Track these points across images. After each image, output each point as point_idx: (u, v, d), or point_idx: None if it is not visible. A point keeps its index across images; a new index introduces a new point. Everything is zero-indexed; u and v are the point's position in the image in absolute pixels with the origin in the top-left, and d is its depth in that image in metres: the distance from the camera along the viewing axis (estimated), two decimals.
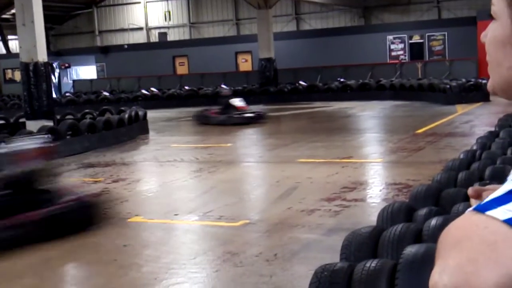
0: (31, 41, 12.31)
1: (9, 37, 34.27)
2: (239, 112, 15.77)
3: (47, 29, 16.00)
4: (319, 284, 3.25)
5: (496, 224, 0.59)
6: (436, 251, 0.63)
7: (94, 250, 5.72)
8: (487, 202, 0.62)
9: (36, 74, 12.37)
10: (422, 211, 4.33)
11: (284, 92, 22.83)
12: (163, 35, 32.51)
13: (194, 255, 5.33)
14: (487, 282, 0.57)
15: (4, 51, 34.45)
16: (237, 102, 16.12)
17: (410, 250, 3.30)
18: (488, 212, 0.60)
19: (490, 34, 0.72)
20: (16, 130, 11.93)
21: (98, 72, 32.69)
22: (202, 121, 16.05)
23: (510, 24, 0.67)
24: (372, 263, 3.28)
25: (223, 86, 21.18)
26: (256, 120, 15.54)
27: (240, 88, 23.87)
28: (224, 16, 31.82)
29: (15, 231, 5.73)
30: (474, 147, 7.08)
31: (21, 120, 13.62)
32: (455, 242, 0.60)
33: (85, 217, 6.24)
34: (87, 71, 33.25)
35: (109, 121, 13.14)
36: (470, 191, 0.83)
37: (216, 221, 6.35)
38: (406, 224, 3.94)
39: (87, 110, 15.69)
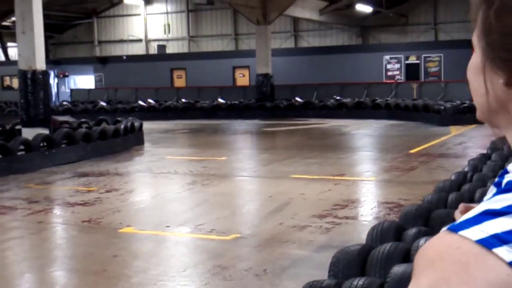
0: (30, 49, 12.36)
1: (9, 44, 34.35)
2: None
3: (46, 38, 16.06)
4: None
5: (469, 244, 0.59)
6: (412, 270, 0.63)
7: (84, 259, 5.72)
8: (461, 222, 0.62)
9: (34, 82, 12.41)
10: (412, 231, 4.35)
11: (280, 108, 22.93)
12: (162, 48, 32.64)
13: (184, 268, 5.34)
14: None
15: (3, 58, 34.51)
16: None
17: (398, 269, 3.34)
18: (461, 232, 0.60)
19: (469, 63, 0.76)
20: (12, 137, 11.94)
21: (96, 82, 32.75)
22: None
23: (481, 56, 0.73)
24: (359, 281, 3.31)
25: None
26: None
27: (236, 102, 23.99)
28: (223, 31, 32.00)
29: None
30: (466, 169, 7.12)
31: (17, 127, 13.62)
32: (428, 262, 0.60)
33: None
34: (85, 81, 33.30)
35: (105, 131, 13.16)
36: (461, 207, 0.83)
37: (208, 234, 6.35)
38: (395, 243, 3.96)
39: (83, 120, 15.72)
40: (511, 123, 0.71)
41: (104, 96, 29.14)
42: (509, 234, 0.59)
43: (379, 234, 4.48)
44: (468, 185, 5.85)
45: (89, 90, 31.42)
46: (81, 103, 26.49)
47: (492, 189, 0.68)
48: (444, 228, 0.63)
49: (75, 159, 11.76)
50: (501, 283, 0.58)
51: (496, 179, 0.69)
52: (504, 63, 0.69)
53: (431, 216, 4.86)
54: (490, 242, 0.59)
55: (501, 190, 0.65)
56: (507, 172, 0.67)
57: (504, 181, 0.66)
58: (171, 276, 5.11)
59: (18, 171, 10.45)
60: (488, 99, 0.73)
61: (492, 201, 0.64)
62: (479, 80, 0.74)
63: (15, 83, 28.12)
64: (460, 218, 0.65)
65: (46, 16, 13.76)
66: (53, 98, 27.91)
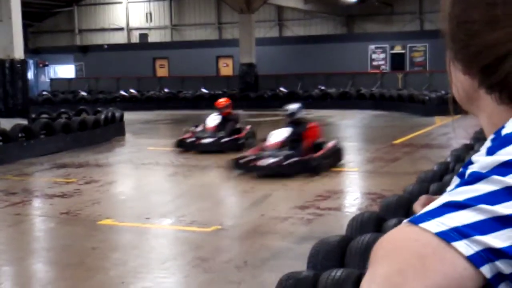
0: (8, 37, 12.16)
1: None
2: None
3: (25, 26, 15.83)
4: None
5: (428, 237, 0.59)
6: (369, 261, 0.62)
7: (62, 252, 5.64)
8: (421, 214, 0.62)
9: (12, 72, 12.22)
10: (392, 222, 4.34)
11: (264, 98, 22.84)
12: (144, 36, 32.33)
13: (164, 260, 5.29)
14: None
15: None
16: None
17: None
18: (421, 225, 0.60)
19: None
20: None
21: (76, 71, 32.39)
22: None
23: (448, 51, 0.73)
24: (337, 273, 3.30)
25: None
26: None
27: (220, 92, 23.86)
28: (206, 19, 31.76)
29: None
30: (448, 159, 7.12)
31: None
32: (386, 253, 0.60)
33: None
34: (65, 70, 32.92)
35: (85, 122, 13.00)
36: (422, 198, 0.82)
37: (188, 226, 6.30)
38: (374, 234, 3.96)
39: (63, 110, 15.52)
40: (481, 111, 0.72)
41: (85, 86, 28.81)
42: (470, 227, 0.59)
43: (359, 225, 4.47)
44: (450, 176, 5.85)
45: (70, 79, 31.05)
46: (61, 93, 26.13)
47: (455, 180, 0.66)
48: (406, 220, 0.63)
49: (54, 150, 11.59)
50: (457, 277, 0.58)
51: (460, 169, 0.66)
52: (459, 52, 0.70)
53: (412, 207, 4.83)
54: (450, 236, 0.59)
55: (464, 182, 0.63)
56: (471, 162, 0.65)
57: (468, 172, 0.64)
58: (150, 268, 5.06)
59: None
60: (458, 90, 0.74)
61: (454, 193, 0.63)
62: (449, 71, 0.75)
63: None
64: (422, 210, 0.64)
65: (25, 4, 13.55)
66: (32, 88, 27.46)
